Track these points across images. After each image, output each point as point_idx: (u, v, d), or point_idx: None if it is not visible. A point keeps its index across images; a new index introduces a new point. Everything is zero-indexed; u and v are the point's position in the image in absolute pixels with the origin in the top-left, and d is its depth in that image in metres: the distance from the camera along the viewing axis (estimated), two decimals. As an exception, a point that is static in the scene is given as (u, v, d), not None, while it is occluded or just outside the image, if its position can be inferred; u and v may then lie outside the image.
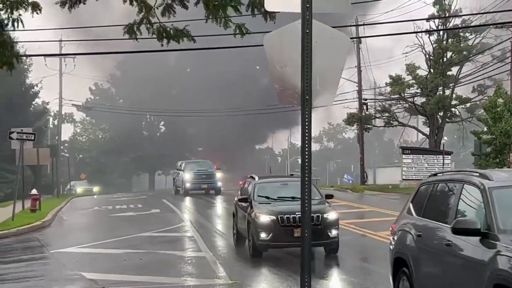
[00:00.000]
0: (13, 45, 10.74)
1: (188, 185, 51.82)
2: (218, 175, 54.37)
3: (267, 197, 21.29)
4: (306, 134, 7.67)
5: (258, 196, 21.33)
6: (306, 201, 7.79)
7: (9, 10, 10.45)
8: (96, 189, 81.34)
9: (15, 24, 10.55)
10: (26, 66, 66.32)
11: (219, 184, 53.61)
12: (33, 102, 75.61)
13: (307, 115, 7.63)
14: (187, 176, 52.19)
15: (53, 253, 23.70)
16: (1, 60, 10.71)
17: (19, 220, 33.96)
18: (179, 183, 54.46)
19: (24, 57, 12.49)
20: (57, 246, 25.66)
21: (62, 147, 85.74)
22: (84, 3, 10.31)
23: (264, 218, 19.82)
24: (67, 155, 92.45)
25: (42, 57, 60.78)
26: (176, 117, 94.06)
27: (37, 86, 73.40)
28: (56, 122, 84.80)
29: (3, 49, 10.61)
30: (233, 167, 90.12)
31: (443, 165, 51.54)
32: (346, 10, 7.85)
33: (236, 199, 23.65)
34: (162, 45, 11.17)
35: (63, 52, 68.18)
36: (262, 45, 7.87)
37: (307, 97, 7.63)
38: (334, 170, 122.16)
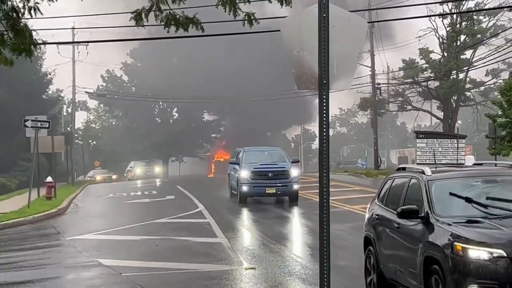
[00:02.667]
0: (31, 32, 10.72)
1: (244, 188, 33.04)
2: (295, 171, 33.87)
3: None
4: (324, 118, 7.65)
5: None
6: (325, 183, 7.76)
7: (24, -1, 10.44)
8: (114, 176, 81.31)
9: (32, 12, 10.51)
10: (40, 55, 66.35)
11: (296, 186, 33.07)
12: (47, 90, 75.72)
13: (325, 99, 7.60)
14: (244, 174, 33.29)
15: (69, 240, 23.79)
16: (19, 47, 10.68)
17: (35, 208, 34.11)
18: (234, 182, 35.55)
19: (41, 45, 12.51)
20: (73, 233, 25.77)
21: (76, 135, 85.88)
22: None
23: None
24: (81, 142, 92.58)
25: (55, 45, 61.07)
26: (190, 103, 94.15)
27: (50, 74, 73.61)
28: (69, 110, 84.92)
29: (21, 37, 10.58)
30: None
31: (457, 149, 51.26)
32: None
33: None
34: (168, 32, 11.07)
35: (76, 40, 68.07)
36: (278, 31, 7.85)
37: (324, 81, 7.61)
38: (347, 155, 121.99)
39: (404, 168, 13.30)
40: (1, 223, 29.51)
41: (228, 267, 17.17)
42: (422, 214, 10.79)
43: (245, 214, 30.10)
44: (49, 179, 39.97)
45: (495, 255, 9.33)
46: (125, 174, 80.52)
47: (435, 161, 27.65)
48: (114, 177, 79.78)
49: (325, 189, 7.78)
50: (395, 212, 11.55)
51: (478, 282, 9.36)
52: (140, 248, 21.18)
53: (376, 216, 12.90)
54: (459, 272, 9.51)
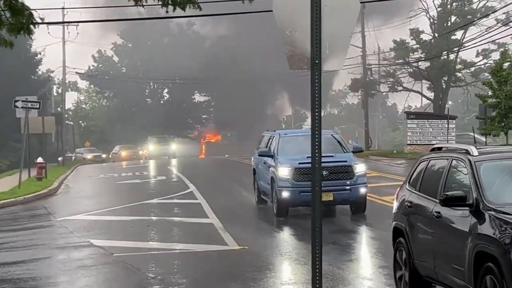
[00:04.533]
0: (31, 11, 10.73)
1: (285, 194, 21.12)
2: (361, 167, 22.12)
3: None
4: (316, 98, 7.66)
5: None
6: (317, 159, 7.78)
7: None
8: (104, 155, 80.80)
9: None
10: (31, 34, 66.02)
11: (363, 190, 21.59)
12: (37, 70, 75.55)
13: (317, 80, 7.60)
14: (284, 173, 21.43)
15: (60, 221, 23.79)
16: (17, 27, 10.68)
17: (26, 188, 34.09)
18: (264, 183, 23.77)
19: (39, 24, 12.51)
20: (64, 213, 25.76)
21: (66, 116, 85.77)
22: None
23: None
24: (71, 123, 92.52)
25: (45, 25, 60.77)
26: (181, 84, 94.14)
27: (40, 54, 73.66)
28: (60, 90, 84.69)
29: (21, 16, 10.59)
30: (246, 135, 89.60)
31: (447, 129, 51.51)
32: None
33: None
34: (167, 12, 11.06)
35: (66, 20, 67.78)
36: (271, 11, 7.83)
37: (316, 62, 7.61)
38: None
39: (440, 148, 11.70)
40: (-8, 204, 29.52)
41: (220, 247, 17.20)
42: (470, 201, 9.18)
43: (232, 193, 30.02)
44: (39, 159, 39.92)
45: None
46: (110, 156, 79.73)
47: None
48: (104, 156, 79.10)
49: (317, 160, 7.79)
50: (434, 199, 10.19)
51: None
52: (132, 229, 21.19)
53: (409, 204, 11.26)
54: None
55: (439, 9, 67.99)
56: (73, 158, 76.02)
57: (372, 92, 71.70)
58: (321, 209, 7.98)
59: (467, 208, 9.20)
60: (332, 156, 21.11)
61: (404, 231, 11.24)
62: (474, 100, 51.86)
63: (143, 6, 10.82)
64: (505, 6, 57.57)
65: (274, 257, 16.08)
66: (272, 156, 22.47)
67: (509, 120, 34.26)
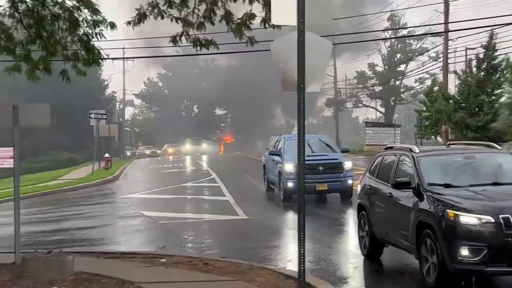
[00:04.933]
0: (99, 50, 10.79)
1: (290, 184, 19.79)
2: (348, 163, 20.57)
3: None
4: (301, 112, 7.64)
5: None
6: (302, 157, 7.75)
7: (92, 27, 10.48)
8: (159, 151, 79.64)
9: (97, 36, 10.57)
10: (99, 66, 66.27)
11: (350, 181, 20.02)
12: (105, 92, 75.93)
13: (302, 98, 7.59)
14: (289, 168, 20.10)
15: (121, 198, 23.79)
16: (89, 61, 10.77)
17: (97, 175, 34.14)
18: (273, 175, 22.31)
19: (105, 59, 12.57)
20: (124, 193, 25.77)
21: (125, 124, 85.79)
22: (143, 23, 10.29)
23: None
24: (129, 129, 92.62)
25: (111, 60, 60.71)
26: (206, 102, 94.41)
27: (107, 80, 74.48)
28: (121, 106, 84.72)
29: (92, 53, 10.66)
30: (252, 138, 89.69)
31: (394, 134, 51.44)
32: (328, 22, 7.82)
33: None
34: (196, 51, 11.10)
35: (125, 56, 67.69)
36: (269, 50, 7.82)
37: (301, 85, 7.59)
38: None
39: (391, 147, 11.58)
40: (73, 186, 29.55)
41: (233, 217, 17.18)
42: (413, 185, 9.22)
43: (243, 178, 29.97)
44: (106, 155, 39.95)
45: (483, 220, 7.96)
46: (161, 151, 79.38)
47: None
48: (158, 151, 78.06)
49: (302, 159, 7.76)
50: (387, 184, 10.16)
51: (468, 244, 8.00)
52: (171, 204, 21.16)
53: (369, 187, 11.10)
54: (451, 235, 8.15)
55: (388, 49, 67.94)
56: (136, 153, 76.05)
57: (341, 107, 71.55)
58: (304, 192, 7.94)
59: (411, 190, 9.21)
60: (326, 155, 20.25)
61: (365, 206, 11.14)
62: (413, 113, 51.75)
63: (179, 46, 10.86)
64: (435, 47, 57.47)
65: (271, 224, 16.06)
66: (279, 155, 21.13)
67: (437, 128, 34.19)
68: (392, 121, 63.77)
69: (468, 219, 8.04)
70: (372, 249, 10.86)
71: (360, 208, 11.44)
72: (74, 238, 14.90)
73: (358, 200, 11.63)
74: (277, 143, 22.64)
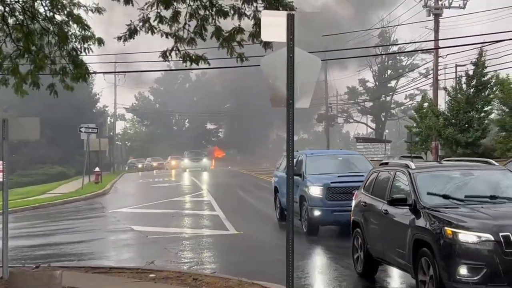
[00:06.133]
0: (87, 65, 10.85)
1: (317, 213, 15.69)
2: None
3: None
4: (290, 127, 7.67)
5: None
6: (291, 178, 7.77)
7: (81, 42, 10.55)
8: (154, 164, 77.90)
9: (86, 51, 10.63)
10: (90, 81, 66.21)
11: None
12: (96, 106, 75.91)
13: (291, 114, 7.63)
14: (316, 191, 15.92)
15: (111, 212, 23.71)
16: (77, 75, 10.81)
17: (87, 189, 34.01)
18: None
19: (92, 73, 12.56)
20: (114, 207, 25.67)
21: (116, 138, 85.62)
22: (133, 38, 10.36)
23: None
24: (120, 143, 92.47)
25: (101, 74, 60.72)
26: (197, 115, 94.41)
27: (98, 94, 74.40)
28: (112, 120, 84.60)
29: (80, 68, 10.70)
30: (243, 152, 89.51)
31: (385, 150, 51.58)
32: (318, 37, 7.88)
33: None
34: (186, 66, 11.18)
35: (117, 70, 67.75)
36: (259, 65, 7.86)
37: (291, 101, 7.62)
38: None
39: (387, 163, 11.10)
40: (63, 200, 29.41)
41: (223, 232, 17.13)
42: (410, 202, 8.90)
43: (235, 194, 29.93)
44: (97, 169, 39.86)
45: (483, 238, 7.66)
46: (126, 168, 77.89)
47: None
48: (154, 164, 73.18)
49: (290, 178, 7.79)
50: (383, 200, 9.83)
51: (467, 263, 7.69)
52: (161, 218, 21.06)
53: (364, 203, 10.70)
54: (449, 254, 7.83)
55: (379, 65, 68.34)
56: (136, 166, 74.21)
57: (332, 123, 71.77)
58: (293, 210, 7.89)
59: (407, 207, 8.94)
60: (362, 175, 14.66)
61: (360, 224, 10.77)
62: (403, 129, 51.96)
63: (169, 61, 10.92)
64: (425, 63, 57.90)
65: (261, 239, 16.02)
66: (300, 175, 16.68)
67: (427, 144, 34.32)
68: (382, 137, 63.99)
69: (467, 237, 7.77)
70: (366, 267, 10.55)
71: (355, 225, 11.07)
72: (63, 252, 14.82)
73: (352, 217, 11.26)
74: (297, 159, 17.49)
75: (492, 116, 33.48)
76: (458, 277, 7.76)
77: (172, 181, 42.33)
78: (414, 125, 36.61)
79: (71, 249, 15.31)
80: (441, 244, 7.95)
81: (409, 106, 68.09)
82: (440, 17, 35.72)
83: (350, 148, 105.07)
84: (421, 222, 8.50)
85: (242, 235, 16.41)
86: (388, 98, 69.57)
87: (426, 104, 35.83)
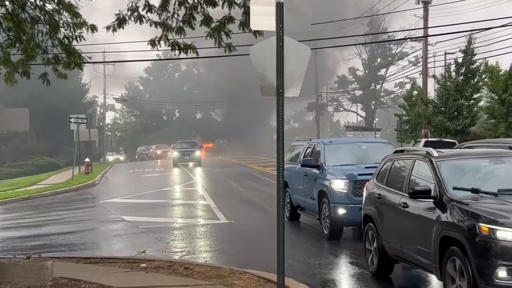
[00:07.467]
0: (80, 53, 10.79)
1: (342, 211, 13.32)
2: None
3: None
4: (280, 116, 7.68)
5: None
6: (281, 166, 7.79)
7: (73, 29, 10.48)
8: (122, 158, 78.84)
9: (78, 39, 10.58)
10: (80, 70, 65.82)
11: None
12: (85, 96, 75.65)
13: (281, 103, 7.64)
14: (340, 186, 13.60)
15: (102, 203, 23.67)
16: (70, 64, 10.78)
17: (77, 180, 33.91)
18: (304, 197, 15.59)
19: (86, 62, 12.49)
20: (104, 197, 25.64)
21: (106, 128, 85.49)
22: (123, 28, 10.31)
23: None
24: (109, 133, 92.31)
25: (91, 63, 60.46)
26: (187, 106, 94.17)
27: (87, 84, 74.16)
28: (102, 110, 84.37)
29: (73, 56, 10.65)
30: (237, 142, 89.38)
31: (375, 138, 51.66)
32: (307, 29, 7.87)
33: None
34: (175, 55, 11.17)
35: (106, 60, 67.44)
36: (248, 54, 7.86)
37: (280, 90, 7.63)
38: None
39: (402, 151, 10.21)
40: (53, 191, 29.31)
41: (214, 222, 17.16)
42: (434, 194, 7.99)
43: (224, 184, 29.94)
44: (87, 159, 39.73)
45: None
46: (136, 157, 78.36)
47: None
48: (158, 152, 70.26)
49: (281, 167, 7.80)
50: (401, 192, 8.96)
51: (507, 264, 6.78)
52: (151, 208, 21.07)
53: (377, 195, 9.76)
54: (486, 254, 6.89)
55: (368, 53, 68.38)
56: (146, 154, 72.81)
57: (322, 111, 71.90)
58: (284, 194, 7.92)
59: (431, 200, 8.02)
60: None
61: (373, 218, 9.86)
62: (393, 117, 52.13)
63: (157, 50, 10.91)
64: (414, 52, 58.00)
65: (253, 228, 16.06)
66: (318, 167, 14.63)
67: (417, 132, 34.47)
68: (372, 125, 64.18)
69: (506, 234, 6.83)
70: (381, 266, 9.67)
71: (367, 219, 10.15)
72: (54, 243, 14.79)
73: (364, 210, 10.34)
74: (309, 150, 15.95)
75: (481, 103, 33.67)
76: (496, 280, 6.87)
77: (163, 171, 42.27)
78: (404, 113, 36.77)
79: (62, 239, 15.29)
80: (475, 243, 7.02)
81: (399, 94, 68.35)
82: (429, 5, 35.79)
83: (340, 137, 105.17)
84: (449, 217, 7.61)
85: (233, 224, 16.44)
86: (378, 87, 69.75)
87: (415, 92, 35.98)
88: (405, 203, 8.69)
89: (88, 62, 12.00)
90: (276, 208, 7.93)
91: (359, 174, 13.29)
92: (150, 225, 16.89)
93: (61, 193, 28.90)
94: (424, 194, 8.10)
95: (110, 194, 26.94)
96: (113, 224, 17.69)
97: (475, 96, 31.90)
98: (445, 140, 24.23)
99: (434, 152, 8.71)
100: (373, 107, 70.92)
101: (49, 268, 9.08)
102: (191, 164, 45.35)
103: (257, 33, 9.54)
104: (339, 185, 13.46)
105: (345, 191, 13.33)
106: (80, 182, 32.66)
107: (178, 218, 18.34)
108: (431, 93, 38.48)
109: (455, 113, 31.31)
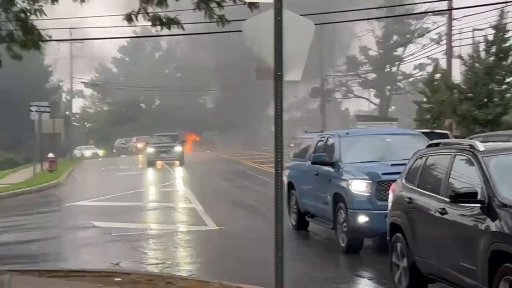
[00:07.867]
0: (39, 31, 10.76)
1: (363, 219, 12.52)
2: None
3: None
4: (279, 105, 7.69)
5: None
6: (279, 163, 7.80)
7: (31, 2, 10.45)
8: (101, 152, 79.58)
9: (37, 13, 10.53)
10: (42, 50, 65.70)
11: None
12: (48, 80, 75.52)
13: (279, 89, 7.64)
14: (361, 187, 12.80)
15: (68, 206, 23.65)
16: (28, 44, 10.72)
17: (39, 179, 33.88)
18: (315, 201, 14.72)
19: (46, 41, 12.42)
20: (71, 200, 25.58)
21: (73, 118, 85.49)
22: (94, -1, 10.32)
23: None
24: (77, 124, 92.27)
25: (55, 42, 60.31)
26: (169, 92, 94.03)
27: (51, 66, 73.77)
28: (68, 97, 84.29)
29: (31, 34, 10.60)
30: (229, 134, 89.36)
31: (390, 129, 51.78)
32: None
33: None
34: (156, 31, 11.14)
35: (73, 38, 67.34)
36: (241, 31, 7.84)
37: (279, 73, 7.62)
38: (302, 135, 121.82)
39: (437, 144, 9.64)
40: (10, 192, 29.27)
41: (202, 228, 17.18)
42: (482, 198, 7.44)
43: (211, 184, 29.98)
44: (50, 155, 39.71)
45: None
46: (114, 151, 78.73)
47: None
48: (140, 145, 70.20)
49: (279, 161, 7.81)
50: (437, 195, 8.46)
51: None
52: (127, 212, 21.04)
53: (408, 199, 9.21)
54: None
55: (383, 29, 68.44)
56: (126, 148, 73.25)
57: (328, 98, 71.98)
58: (283, 205, 7.86)
59: (478, 204, 7.50)
60: None
61: (402, 227, 9.33)
62: (412, 105, 52.21)
63: (134, 25, 10.88)
64: (437, 28, 58.06)
65: (245, 235, 16.09)
66: (332, 165, 13.71)
67: (440, 122, 34.53)
68: (387, 114, 64.34)
69: None
70: (412, 286, 9.19)
71: (395, 229, 9.59)
72: (13, 253, 14.79)
73: (391, 218, 9.79)
74: (320, 144, 15.09)
75: (515, 89, 33.73)
76: None
77: (141, 169, 42.26)
78: (425, 100, 36.82)
79: (22, 249, 15.29)
80: None
81: (419, 77, 68.41)
82: (455, -27, 35.80)
83: (349, 127, 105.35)
84: (501, 227, 7.06)
85: (224, 231, 16.46)
86: (394, 69, 69.80)
87: (438, 76, 36.00)
88: (444, 209, 8.22)
89: (49, 40, 11.98)
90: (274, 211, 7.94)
91: (383, 173, 12.59)
92: (125, 232, 16.86)
93: (21, 194, 28.87)
94: (468, 197, 7.61)
95: (78, 196, 26.88)
96: (81, 231, 17.67)
97: (508, 80, 31.95)
98: (438, 131, 22.85)
99: (480, 146, 8.16)
100: (388, 93, 71.07)
101: (6, 283, 9.08)
102: (176, 162, 44.10)
103: (252, 5, 9.54)
104: (359, 186, 12.70)
105: (367, 194, 12.58)
106: (43, 182, 32.63)
107: (158, 224, 18.35)
108: (457, 77, 38.53)
109: (485, 100, 31.36)
